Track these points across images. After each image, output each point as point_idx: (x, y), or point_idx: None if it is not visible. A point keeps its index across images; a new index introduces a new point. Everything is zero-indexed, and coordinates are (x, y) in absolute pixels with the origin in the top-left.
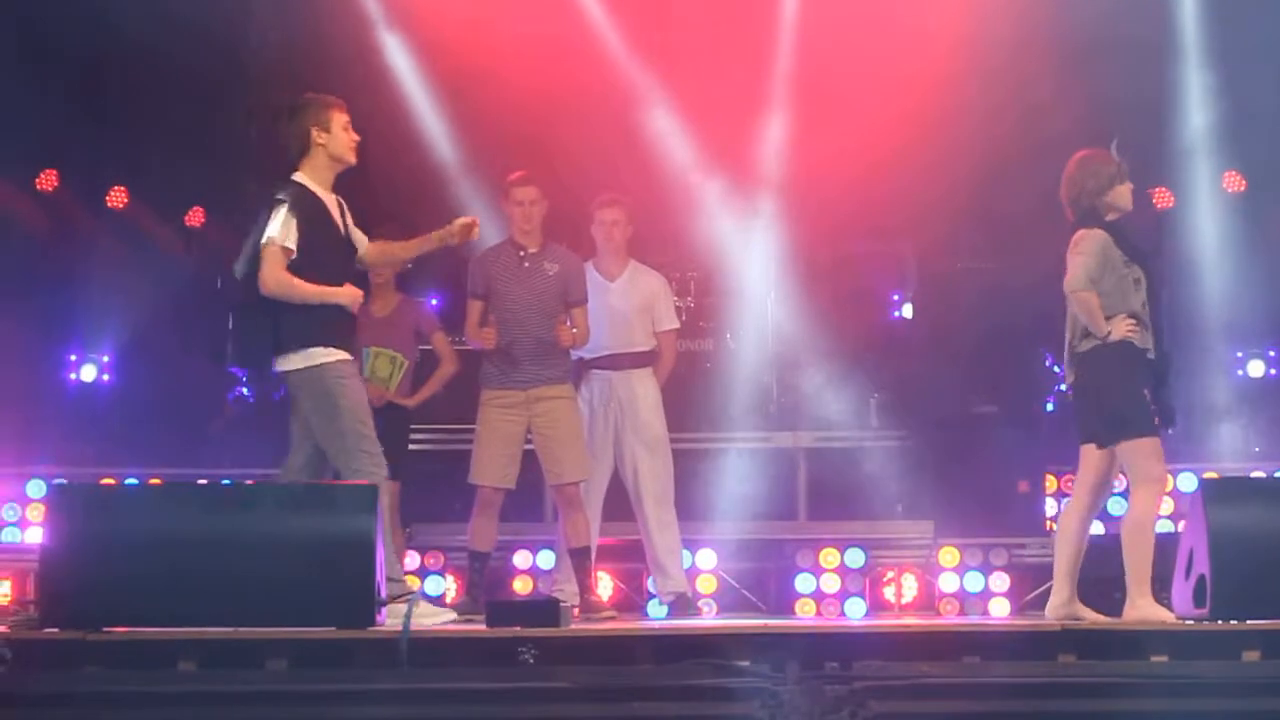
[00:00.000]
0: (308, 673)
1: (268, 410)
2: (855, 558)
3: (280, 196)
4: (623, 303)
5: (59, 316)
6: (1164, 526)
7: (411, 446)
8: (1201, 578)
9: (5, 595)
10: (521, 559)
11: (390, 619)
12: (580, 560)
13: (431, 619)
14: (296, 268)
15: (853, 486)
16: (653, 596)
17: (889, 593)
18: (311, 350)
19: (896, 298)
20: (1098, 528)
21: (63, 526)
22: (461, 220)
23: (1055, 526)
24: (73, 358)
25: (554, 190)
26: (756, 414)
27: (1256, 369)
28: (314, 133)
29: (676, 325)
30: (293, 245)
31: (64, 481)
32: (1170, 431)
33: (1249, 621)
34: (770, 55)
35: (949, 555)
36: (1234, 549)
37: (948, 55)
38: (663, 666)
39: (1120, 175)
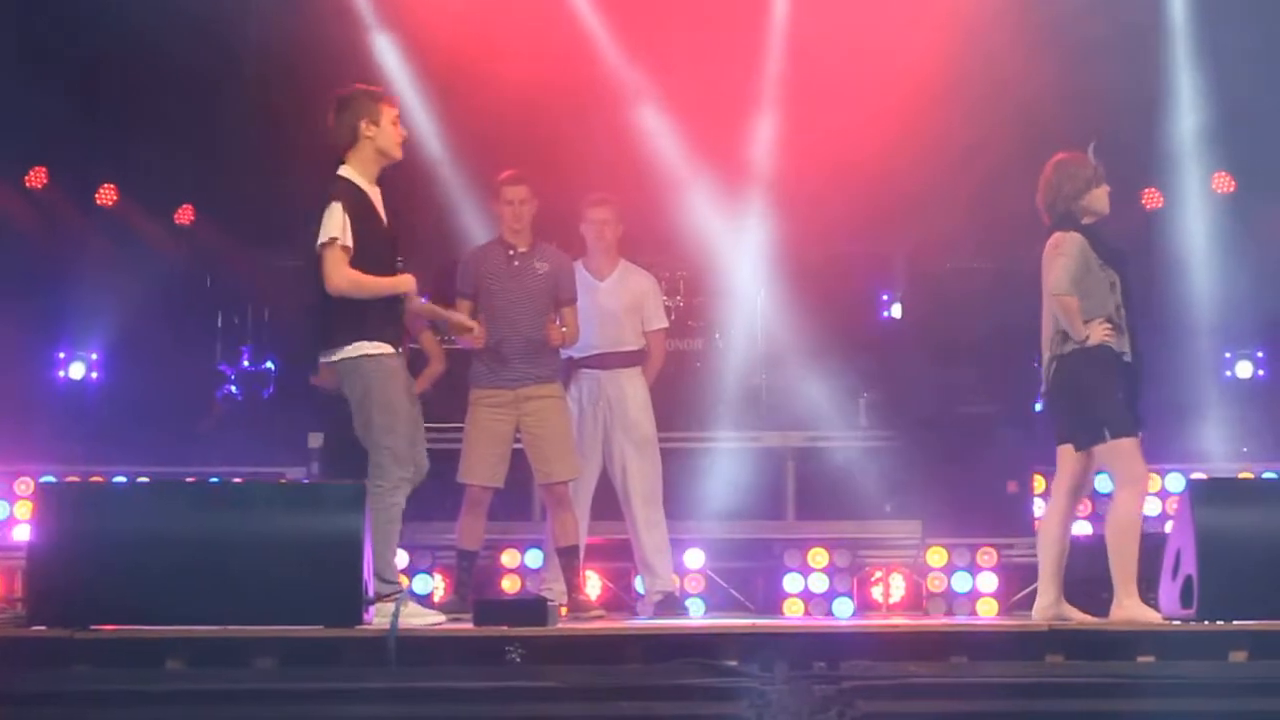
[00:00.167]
0: (295, 671)
1: (257, 408)
2: (843, 557)
3: (330, 195)
4: (612, 302)
5: (48, 314)
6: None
7: None
8: (1189, 578)
9: None
10: (510, 558)
11: (378, 618)
12: (568, 559)
13: (420, 620)
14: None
15: (841, 486)
16: (641, 596)
17: (877, 593)
18: (358, 343)
19: (885, 297)
20: (1085, 528)
21: (50, 524)
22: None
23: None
24: (61, 355)
25: (544, 189)
26: (745, 413)
27: (1245, 370)
28: (363, 125)
29: (666, 325)
30: (350, 242)
31: (52, 479)
32: (1139, 435)
33: (1236, 622)
34: (761, 54)
35: (937, 555)
36: (1221, 550)
37: (938, 54)
38: (651, 666)
39: (1097, 178)
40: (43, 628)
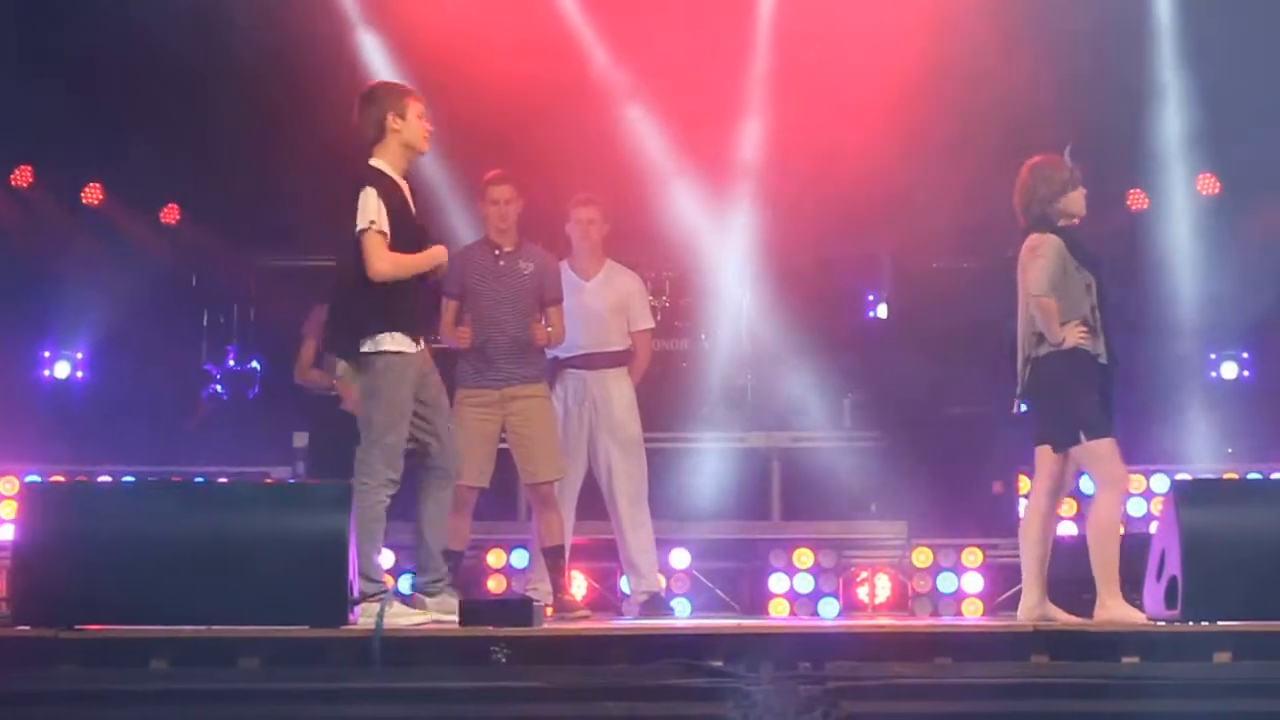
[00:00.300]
0: (281, 671)
1: (242, 408)
2: (829, 558)
3: (363, 182)
4: (598, 302)
5: (33, 313)
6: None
7: None
8: (1173, 579)
9: None
10: (495, 558)
11: (363, 618)
12: (554, 559)
13: (406, 619)
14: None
15: (827, 486)
16: (626, 596)
17: (862, 593)
18: (380, 336)
19: (871, 297)
20: (1070, 528)
21: (35, 523)
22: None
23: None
24: (47, 354)
25: (530, 189)
26: (731, 414)
27: (1229, 371)
28: (389, 119)
29: (652, 325)
30: (386, 229)
31: (37, 478)
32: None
33: (1220, 623)
34: (746, 55)
35: (922, 556)
36: (1206, 551)
37: (923, 55)
38: (636, 666)
39: (1073, 181)
40: (27, 627)
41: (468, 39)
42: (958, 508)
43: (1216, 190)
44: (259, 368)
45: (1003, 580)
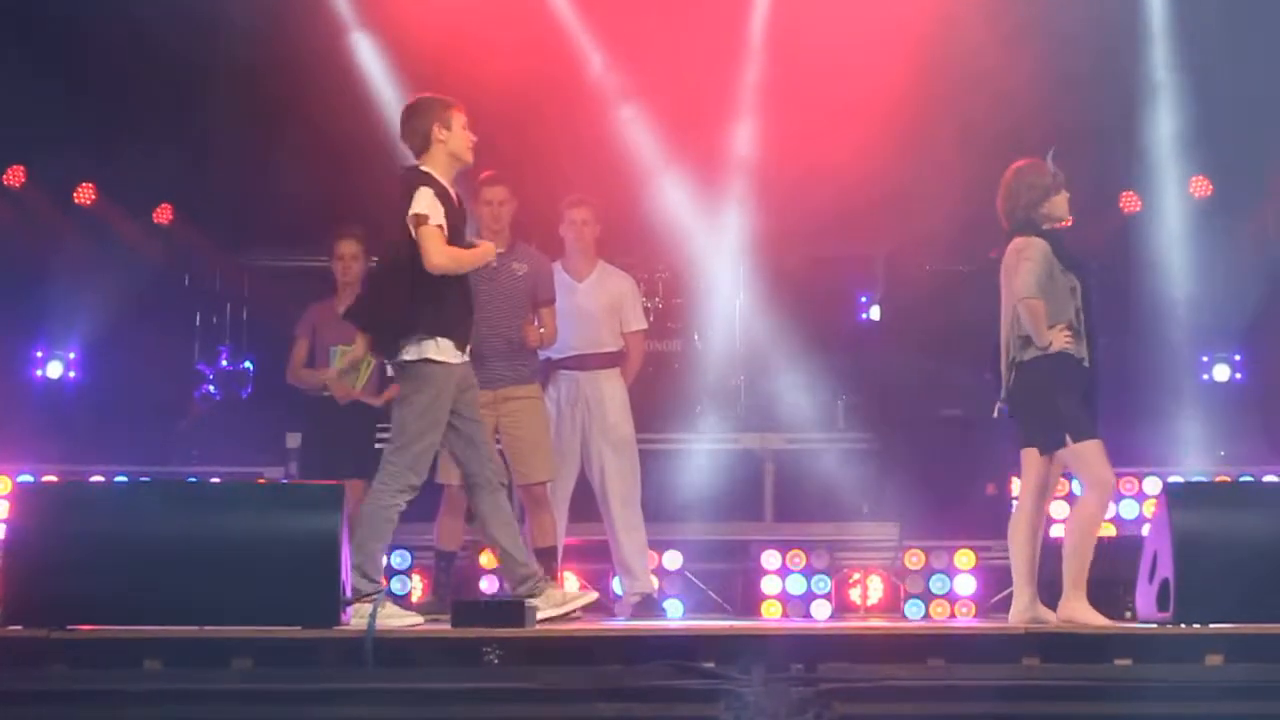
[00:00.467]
0: (273, 672)
1: (235, 408)
2: (821, 559)
3: (418, 182)
4: (591, 303)
5: (25, 313)
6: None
7: (378, 446)
8: (1165, 581)
9: None
10: (488, 559)
11: (356, 618)
12: (546, 560)
13: (399, 621)
14: None
15: (819, 488)
16: (619, 597)
17: (855, 594)
18: (426, 342)
19: (865, 299)
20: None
21: (27, 523)
22: None
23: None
24: (39, 354)
25: (523, 190)
26: (724, 415)
27: (1222, 373)
28: (435, 129)
29: (644, 326)
30: (443, 222)
31: (29, 478)
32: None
33: (1212, 625)
34: (741, 56)
35: (915, 557)
36: (1198, 553)
37: (918, 58)
38: (629, 667)
39: (1056, 186)
40: (19, 627)
41: (462, 39)
42: (950, 509)
43: (1209, 193)
44: (251, 368)
45: (995, 582)
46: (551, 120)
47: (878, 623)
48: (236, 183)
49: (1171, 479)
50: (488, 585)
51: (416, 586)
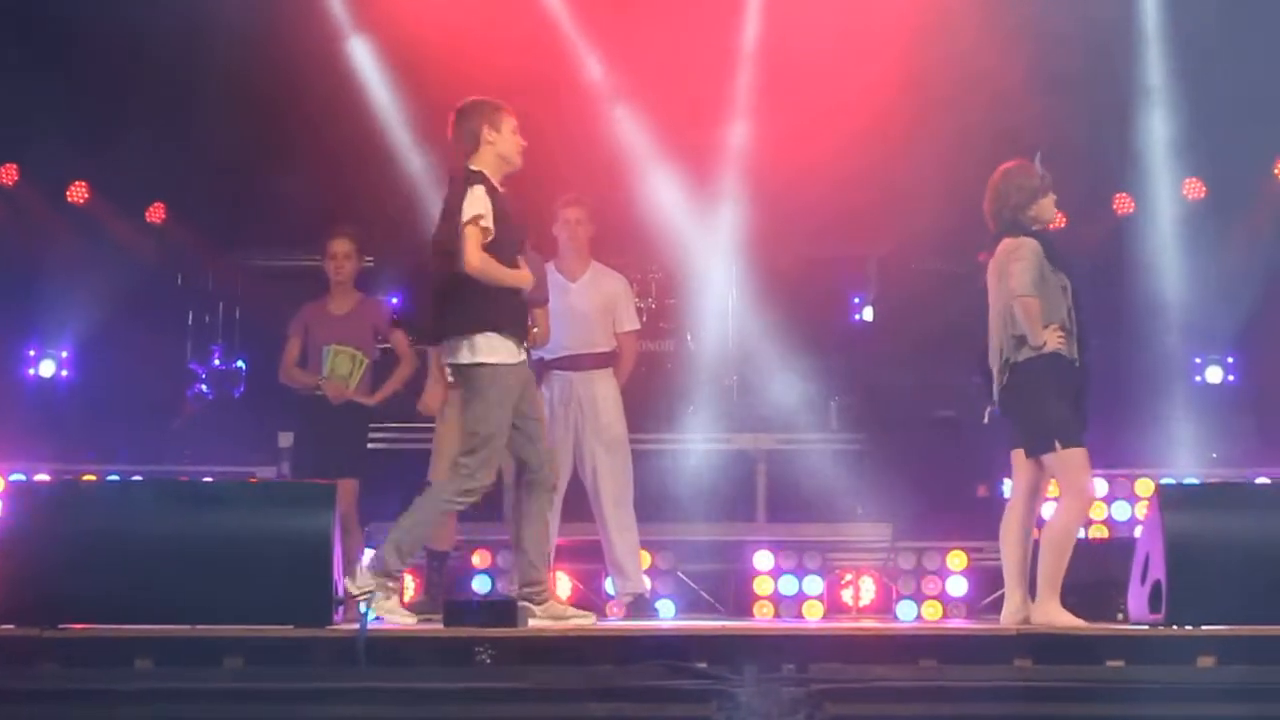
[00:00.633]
0: (265, 671)
1: (227, 407)
2: (813, 560)
3: (472, 180)
4: (584, 303)
5: (18, 311)
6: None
7: (370, 445)
8: (1157, 583)
9: None
10: (480, 558)
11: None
12: None
13: (398, 619)
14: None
15: (812, 489)
16: (611, 597)
17: (847, 595)
18: (489, 336)
19: (857, 300)
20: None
21: (19, 522)
22: None
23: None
24: (31, 353)
25: (516, 189)
26: (716, 415)
27: (1214, 375)
28: (485, 131)
29: (637, 326)
30: (491, 226)
31: (21, 477)
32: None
33: (1204, 627)
34: (734, 56)
35: (907, 558)
36: (1190, 555)
37: (912, 58)
38: (620, 667)
39: (1044, 188)
40: (11, 626)
41: (456, 39)
42: (942, 511)
43: (1202, 195)
44: (244, 367)
45: (987, 583)
46: (545, 120)
47: (870, 623)
48: (229, 182)
49: (1164, 481)
50: (480, 585)
51: (409, 586)
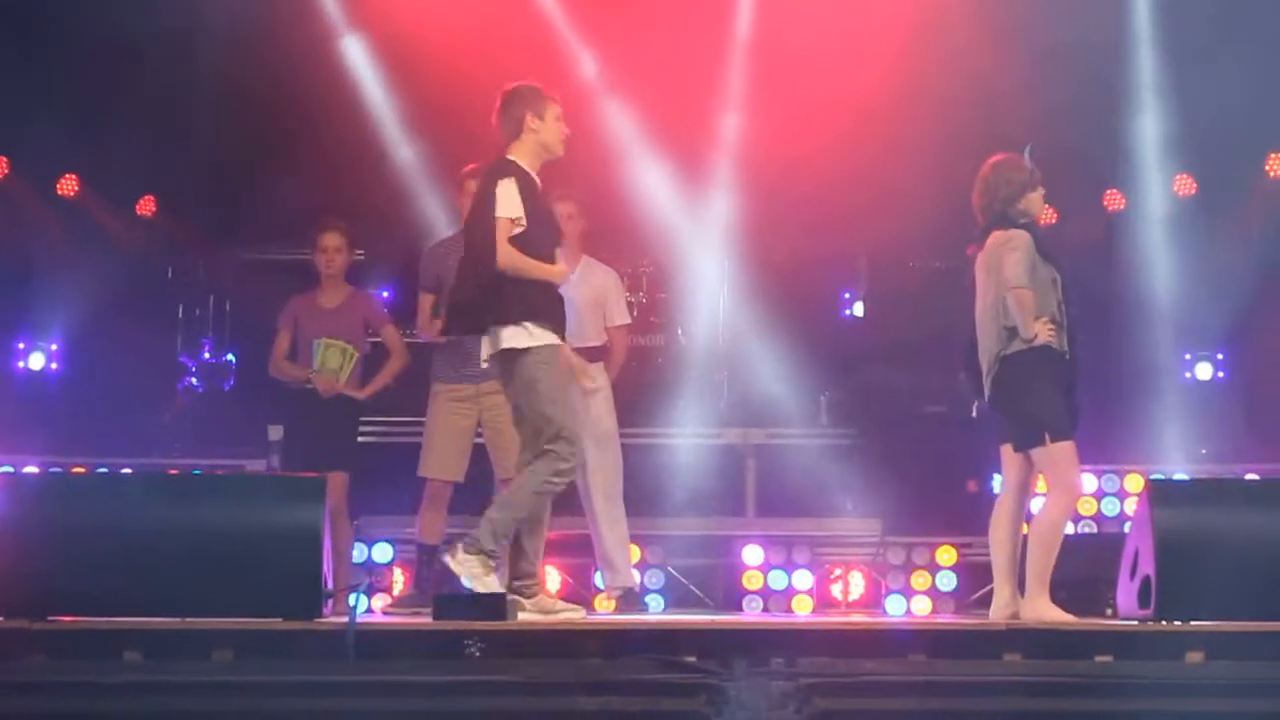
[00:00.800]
0: (254, 664)
1: (217, 400)
2: (803, 555)
3: (504, 172)
4: (575, 297)
5: (7, 304)
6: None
7: (361, 439)
8: (1146, 579)
9: None
10: None
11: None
12: None
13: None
14: (515, 241)
15: (802, 484)
16: (601, 591)
17: (836, 590)
18: (527, 326)
19: (848, 296)
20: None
21: (8, 514)
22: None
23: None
24: (21, 345)
25: None
26: (707, 410)
27: (1204, 371)
28: (528, 119)
29: (628, 320)
30: (524, 221)
31: (10, 469)
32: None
33: (1193, 623)
34: (726, 52)
35: (896, 553)
36: (1179, 550)
37: (905, 53)
38: (609, 661)
39: (1032, 182)
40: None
41: (448, 34)
42: (932, 506)
43: (1193, 191)
44: (234, 360)
45: (977, 578)
46: None
47: (859, 618)
48: (220, 175)
49: (1153, 476)
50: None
51: (399, 580)
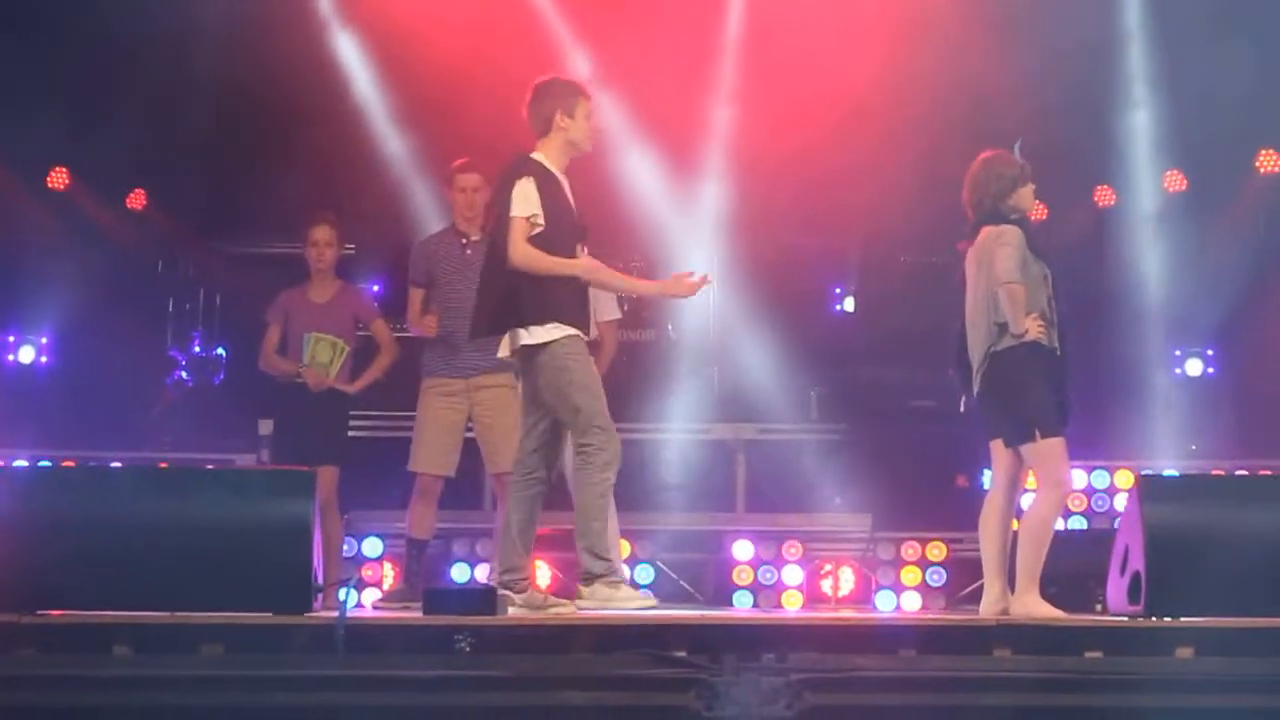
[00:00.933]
0: (244, 658)
1: (207, 395)
2: (793, 550)
3: (522, 172)
4: None
5: None
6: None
7: (351, 433)
8: (1136, 574)
9: None
10: (460, 547)
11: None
12: None
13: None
14: (534, 241)
15: (792, 479)
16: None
17: (826, 585)
18: (549, 326)
19: (839, 291)
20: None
21: None
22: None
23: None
24: (11, 339)
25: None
26: (697, 405)
27: (1194, 368)
28: (558, 116)
29: (619, 315)
30: (541, 221)
31: None
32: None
33: (1183, 618)
34: (719, 46)
35: (886, 549)
36: (1169, 546)
37: (897, 47)
38: (599, 656)
39: (1023, 177)
40: None
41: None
42: (922, 501)
43: (1183, 187)
44: (224, 354)
45: (966, 574)
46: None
47: (849, 613)
48: (210, 169)
49: (1143, 472)
50: (459, 574)
51: (389, 574)
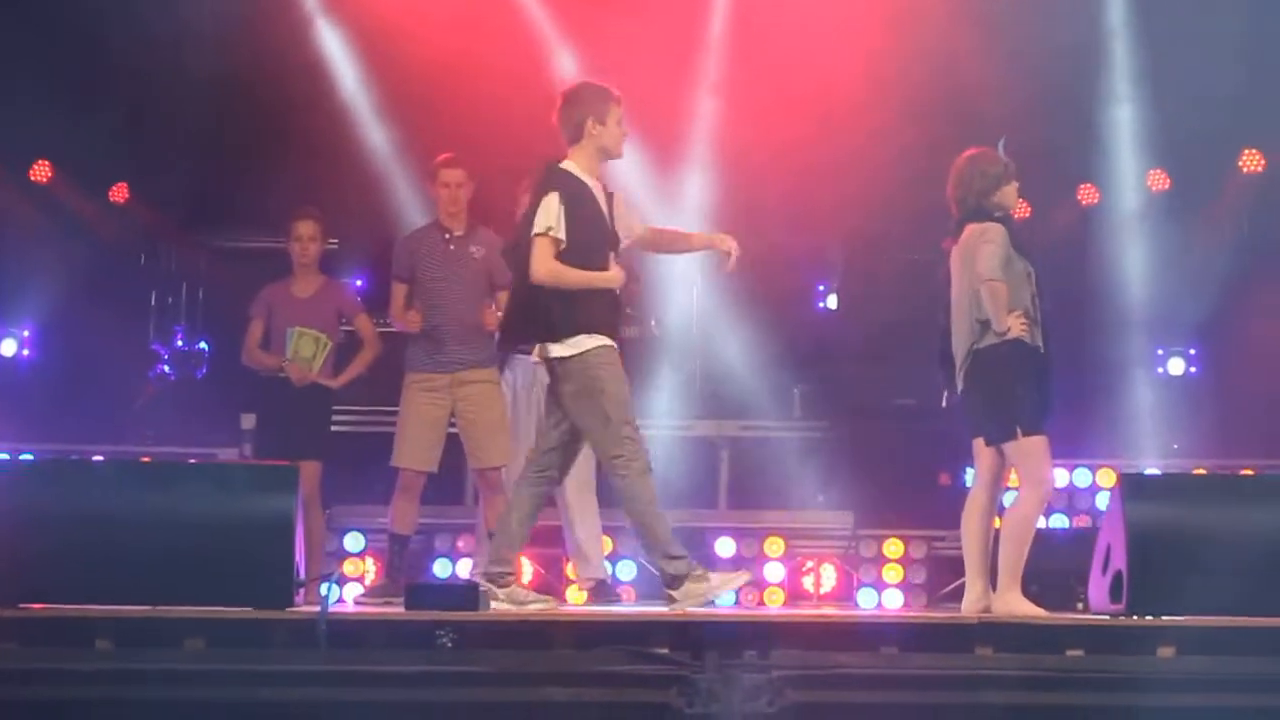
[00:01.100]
0: (225, 653)
1: (190, 389)
2: (775, 547)
3: (549, 185)
4: None
5: None
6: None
7: (333, 428)
8: (1118, 573)
9: None
10: (442, 542)
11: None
12: None
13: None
14: (562, 254)
15: (774, 476)
16: (573, 582)
17: (808, 583)
18: (578, 337)
19: (822, 288)
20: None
21: None
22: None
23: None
24: None
25: (482, 172)
26: (680, 402)
27: (1177, 367)
28: (589, 123)
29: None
30: (563, 235)
31: None
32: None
33: (1164, 617)
34: (704, 44)
35: (868, 546)
36: (1151, 545)
37: (881, 45)
38: (581, 652)
39: (1007, 175)
40: None
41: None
42: (904, 499)
43: (1166, 186)
44: (207, 348)
45: (948, 572)
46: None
47: (831, 611)
48: (193, 162)
49: (1125, 471)
50: (441, 569)
51: (370, 570)
